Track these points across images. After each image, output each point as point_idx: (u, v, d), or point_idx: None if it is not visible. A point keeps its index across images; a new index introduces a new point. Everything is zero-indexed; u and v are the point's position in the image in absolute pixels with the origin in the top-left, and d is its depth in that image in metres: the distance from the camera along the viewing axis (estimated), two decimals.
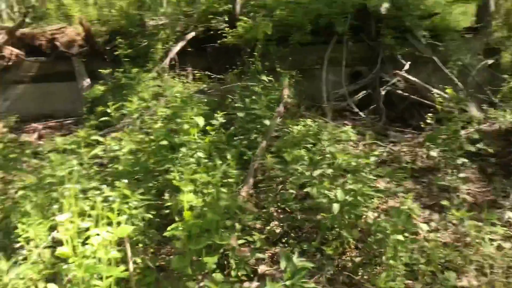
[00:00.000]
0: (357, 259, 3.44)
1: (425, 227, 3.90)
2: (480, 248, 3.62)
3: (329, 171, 3.78)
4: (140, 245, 3.15)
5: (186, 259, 2.96)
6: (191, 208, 3.03)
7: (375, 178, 4.43)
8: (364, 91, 7.41)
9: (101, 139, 4.24)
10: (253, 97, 5.02)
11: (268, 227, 3.91)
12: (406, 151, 5.70)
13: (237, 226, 3.17)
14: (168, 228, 3.02)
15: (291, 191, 4.06)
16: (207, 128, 3.96)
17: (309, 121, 5.75)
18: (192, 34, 7.28)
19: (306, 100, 7.26)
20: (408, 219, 3.74)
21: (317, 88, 7.26)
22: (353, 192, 3.54)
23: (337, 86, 7.53)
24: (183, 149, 3.68)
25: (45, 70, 7.52)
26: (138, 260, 3.14)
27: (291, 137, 4.64)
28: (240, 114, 4.83)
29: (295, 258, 2.51)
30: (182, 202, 2.93)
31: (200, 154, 3.71)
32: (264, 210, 4.14)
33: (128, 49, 6.87)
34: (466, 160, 4.96)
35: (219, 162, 3.49)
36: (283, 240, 3.75)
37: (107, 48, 7.26)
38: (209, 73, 6.73)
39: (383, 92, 7.01)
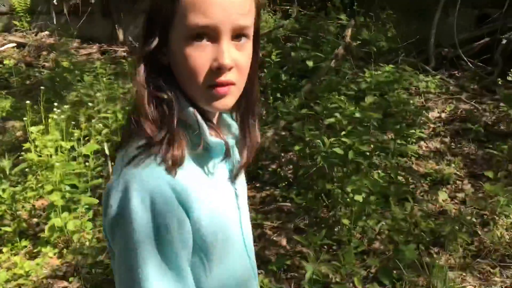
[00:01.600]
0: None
1: (443, 195, 3.50)
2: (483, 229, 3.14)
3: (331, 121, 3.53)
4: None
5: None
6: None
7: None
8: (488, 39, 6.36)
9: None
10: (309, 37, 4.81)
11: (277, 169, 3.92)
12: (497, 111, 4.88)
13: None
14: None
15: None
16: None
17: (389, 67, 5.31)
18: None
19: (411, 44, 6.61)
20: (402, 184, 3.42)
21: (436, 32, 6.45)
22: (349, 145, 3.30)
23: (461, 31, 6.61)
24: None
25: None
26: None
27: (335, 82, 4.38)
28: (293, 54, 4.72)
29: None
30: None
31: None
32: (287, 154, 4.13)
33: None
34: None
35: None
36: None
37: None
38: (301, 10, 6.51)
39: (503, 41, 5.94)
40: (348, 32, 4.82)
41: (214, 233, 0.87)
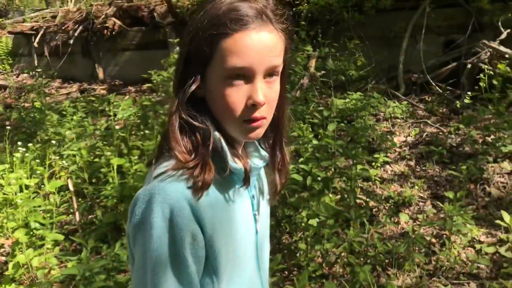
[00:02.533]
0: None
1: (404, 217, 3.57)
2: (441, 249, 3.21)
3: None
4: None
5: (115, 216, 3.28)
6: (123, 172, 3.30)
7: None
8: (455, 63, 6.57)
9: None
10: None
11: None
12: (462, 133, 5.00)
13: None
14: (106, 187, 3.36)
15: None
16: None
17: (356, 95, 5.46)
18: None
19: (382, 71, 6.81)
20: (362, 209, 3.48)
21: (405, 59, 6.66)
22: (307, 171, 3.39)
23: (429, 57, 6.83)
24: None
25: (145, 39, 8.37)
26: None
27: (300, 111, 4.50)
28: None
29: None
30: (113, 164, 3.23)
31: None
32: None
33: None
34: None
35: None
36: None
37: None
38: None
39: (469, 65, 6.13)
40: (312, 62, 4.98)
41: (226, 254, 0.94)
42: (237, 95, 0.91)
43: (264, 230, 1.12)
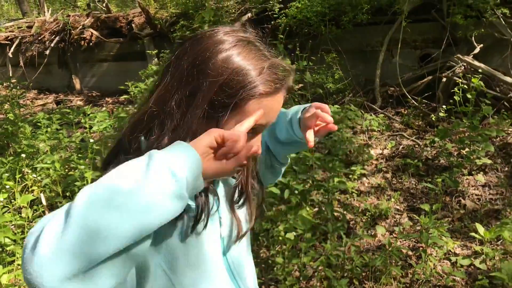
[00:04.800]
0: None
1: (381, 229, 3.57)
2: (417, 262, 3.22)
3: None
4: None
5: None
6: None
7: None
8: (430, 77, 6.70)
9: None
10: None
11: None
12: (437, 146, 5.07)
13: None
14: None
15: None
16: None
17: (334, 108, 5.49)
18: (248, 15, 7.32)
19: (359, 84, 6.90)
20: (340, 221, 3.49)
21: (382, 72, 6.76)
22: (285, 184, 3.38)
23: (405, 70, 6.94)
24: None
25: (123, 50, 8.31)
26: None
27: None
28: None
29: None
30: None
31: None
32: None
33: (187, 32, 7.19)
34: (489, 162, 4.31)
35: None
36: None
37: (171, 30, 7.71)
38: None
39: (444, 79, 6.25)
40: None
41: (185, 257, 0.92)
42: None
43: (231, 235, 1.08)
